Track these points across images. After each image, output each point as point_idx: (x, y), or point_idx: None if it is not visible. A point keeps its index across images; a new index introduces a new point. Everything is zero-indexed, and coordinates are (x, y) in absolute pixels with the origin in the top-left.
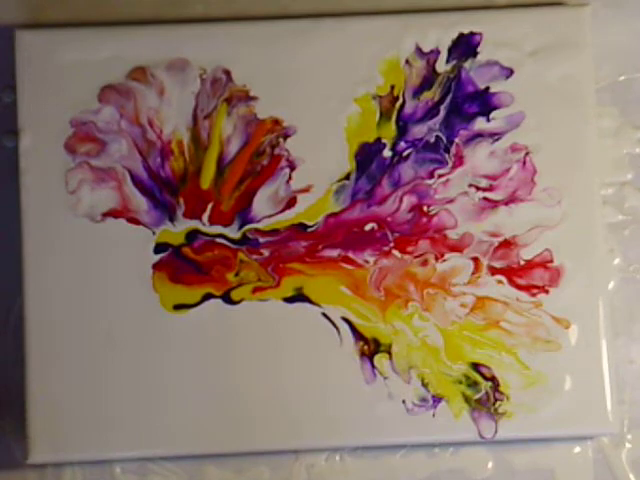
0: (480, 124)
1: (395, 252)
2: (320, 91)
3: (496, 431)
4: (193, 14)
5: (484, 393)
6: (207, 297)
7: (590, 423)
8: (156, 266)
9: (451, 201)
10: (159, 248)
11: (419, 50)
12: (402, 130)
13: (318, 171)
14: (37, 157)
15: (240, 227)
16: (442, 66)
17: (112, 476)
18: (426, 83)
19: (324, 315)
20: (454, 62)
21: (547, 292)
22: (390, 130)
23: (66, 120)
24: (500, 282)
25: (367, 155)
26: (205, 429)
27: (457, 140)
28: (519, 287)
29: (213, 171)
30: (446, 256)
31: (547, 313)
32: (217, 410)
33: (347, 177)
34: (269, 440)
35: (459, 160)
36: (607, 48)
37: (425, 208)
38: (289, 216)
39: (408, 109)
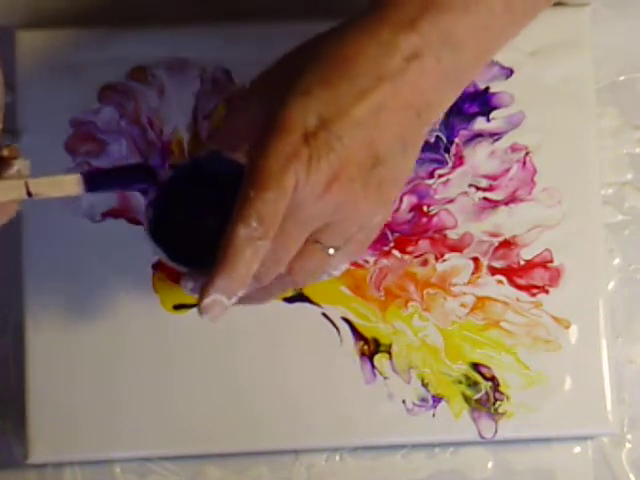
0: (480, 124)
1: (395, 252)
2: None
3: (496, 431)
4: (193, 14)
5: (484, 393)
6: None
7: (590, 423)
8: (156, 266)
9: (451, 201)
10: None
11: None
12: None
13: None
14: (37, 157)
15: None
16: None
17: (112, 476)
18: None
19: (324, 315)
20: None
21: (547, 292)
22: None
23: (66, 120)
24: (500, 282)
25: None
26: (205, 429)
27: (457, 140)
28: (519, 287)
29: None
30: (446, 256)
31: (547, 313)
32: (217, 410)
33: None
34: (269, 440)
35: (459, 160)
36: (607, 48)
37: (425, 208)
38: None
39: None
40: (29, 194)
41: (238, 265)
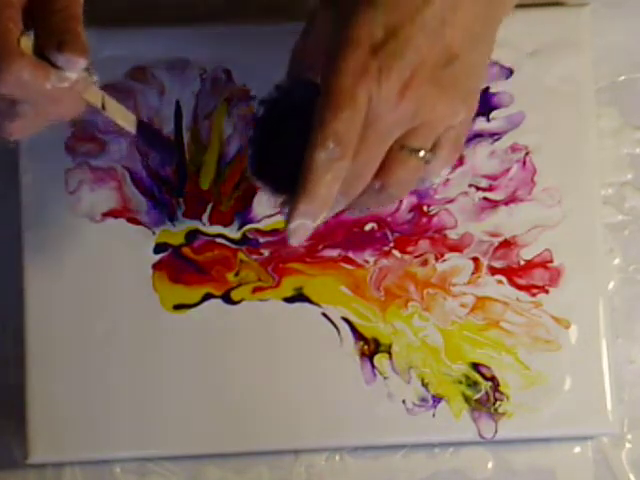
0: (480, 124)
1: (395, 252)
2: None
3: (496, 431)
4: (193, 14)
5: (484, 393)
6: (207, 297)
7: (590, 423)
8: (156, 266)
9: (451, 201)
10: (159, 248)
11: None
12: None
13: None
14: (37, 157)
15: (240, 227)
16: None
17: (112, 476)
18: None
19: (324, 315)
20: None
21: (547, 292)
22: None
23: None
24: (500, 282)
25: None
26: (205, 429)
27: None
28: (519, 287)
29: (213, 171)
30: (446, 256)
31: (547, 313)
32: (217, 410)
33: None
34: (269, 440)
35: (459, 160)
36: (607, 48)
37: (425, 208)
38: None
39: None
40: (103, 107)
41: (319, 189)
